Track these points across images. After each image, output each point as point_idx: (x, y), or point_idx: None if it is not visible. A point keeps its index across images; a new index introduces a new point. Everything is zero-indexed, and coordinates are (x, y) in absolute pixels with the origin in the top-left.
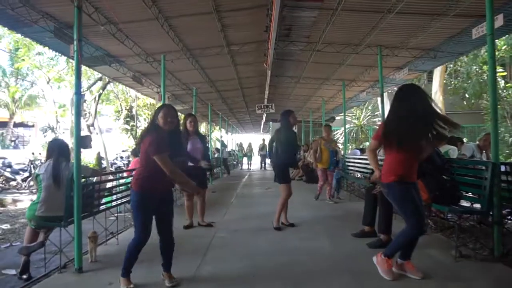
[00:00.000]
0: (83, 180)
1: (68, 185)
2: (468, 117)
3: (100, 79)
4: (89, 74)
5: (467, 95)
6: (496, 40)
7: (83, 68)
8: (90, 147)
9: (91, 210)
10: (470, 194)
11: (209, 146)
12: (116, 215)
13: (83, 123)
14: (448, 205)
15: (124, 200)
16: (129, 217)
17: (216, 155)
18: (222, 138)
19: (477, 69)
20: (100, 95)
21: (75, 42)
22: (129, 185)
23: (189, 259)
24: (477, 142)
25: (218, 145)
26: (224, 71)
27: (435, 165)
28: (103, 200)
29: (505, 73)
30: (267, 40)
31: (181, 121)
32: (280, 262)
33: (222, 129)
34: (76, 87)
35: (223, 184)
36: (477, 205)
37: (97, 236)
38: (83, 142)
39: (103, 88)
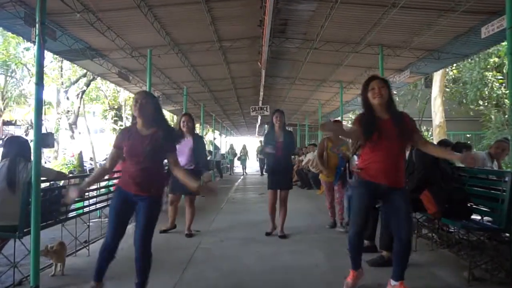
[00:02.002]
0: (47, 184)
1: (25, 189)
2: (466, 124)
3: (85, 75)
4: (79, 71)
5: (464, 101)
6: (499, 47)
7: (69, 64)
8: (52, 146)
9: (56, 218)
10: (481, 207)
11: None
12: (88, 223)
13: (65, 122)
14: (459, 220)
15: (99, 205)
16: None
17: (208, 158)
18: (216, 140)
19: (479, 75)
20: (83, 92)
21: (37, 25)
22: (111, 188)
23: (164, 276)
24: (488, 150)
25: (211, 148)
26: (216, 69)
27: (444, 175)
28: (74, 206)
29: (503, 80)
30: (261, 36)
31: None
32: (269, 282)
33: (216, 131)
34: (37, 77)
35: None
36: (487, 218)
37: (61, 249)
38: (44, 140)
39: (87, 84)
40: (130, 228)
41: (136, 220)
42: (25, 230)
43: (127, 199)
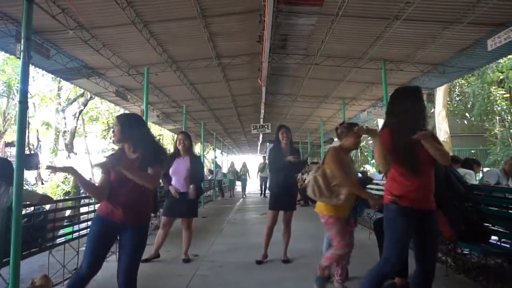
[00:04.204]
0: (31, 208)
1: (5, 215)
2: (470, 140)
3: (82, 95)
4: (79, 91)
5: (467, 115)
6: (501, 60)
7: (66, 83)
8: (36, 168)
9: (41, 245)
10: (497, 228)
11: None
12: (77, 249)
13: (61, 142)
14: (477, 243)
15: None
16: None
17: (209, 177)
18: (217, 159)
19: (482, 90)
20: (81, 111)
21: (22, 41)
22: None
23: None
24: (502, 167)
25: (213, 166)
26: (215, 87)
27: (458, 194)
28: (62, 231)
29: (507, 95)
30: (260, 52)
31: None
32: None
33: (217, 150)
34: (21, 94)
35: (215, 209)
36: (505, 240)
37: (47, 282)
38: (27, 161)
39: (85, 104)
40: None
41: (121, 251)
42: (4, 260)
43: (110, 228)
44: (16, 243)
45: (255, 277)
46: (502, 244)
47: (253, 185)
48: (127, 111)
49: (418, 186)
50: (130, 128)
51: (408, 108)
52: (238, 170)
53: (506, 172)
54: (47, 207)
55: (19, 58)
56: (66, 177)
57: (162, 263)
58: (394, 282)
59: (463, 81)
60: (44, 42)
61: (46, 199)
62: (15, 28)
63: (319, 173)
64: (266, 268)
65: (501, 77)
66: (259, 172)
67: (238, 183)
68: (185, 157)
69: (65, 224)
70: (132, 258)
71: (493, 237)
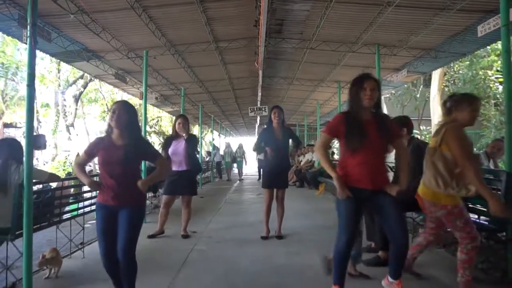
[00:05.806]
0: (40, 186)
1: (17, 192)
2: None
3: (82, 77)
4: (78, 73)
5: None
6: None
7: (66, 65)
8: (44, 147)
9: (50, 220)
10: (477, 206)
11: (200, 150)
12: (83, 225)
13: (62, 123)
14: None
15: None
16: None
17: (207, 159)
18: (215, 141)
19: (475, 74)
20: (81, 93)
21: (28, 27)
22: None
23: (158, 277)
24: (485, 149)
25: (211, 149)
26: (213, 70)
27: None
28: (68, 208)
29: (502, 79)
30: (257, 37)
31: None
32: (264, 284)
33: (215, 132)
34: (28, 78)
35: (212, 189)
36: (484, 218)
37: (56, 255)
38: (35, 142)
39: (85, 86)
40: None
41: (118, 231)
42: (17, 233)
43: (110, 213)
44: (28, 217)
45: (250, 251)
46: (481, 221)
47: (251, 166)
48: (125, 93)
49: (359, 165)
50: (134, 117)
51: (351, 93)
52: (234, 151)
53: (487, 154)
54: (54, 185)
55: (25, 43)
56: (67, 158)
57: (162, 239)
58: (378, 255)
59: (456, 67)
60: (46, 26)
61: (54, 177)
62: (17, 12)
63: (437, 158)
64: (260, 244)
65: (495, 60)
66: (257, 155)
67: (235, 165)
68: (182, 138)
69: (70, 201)
70: (128, 235)
71: (473, 215)
